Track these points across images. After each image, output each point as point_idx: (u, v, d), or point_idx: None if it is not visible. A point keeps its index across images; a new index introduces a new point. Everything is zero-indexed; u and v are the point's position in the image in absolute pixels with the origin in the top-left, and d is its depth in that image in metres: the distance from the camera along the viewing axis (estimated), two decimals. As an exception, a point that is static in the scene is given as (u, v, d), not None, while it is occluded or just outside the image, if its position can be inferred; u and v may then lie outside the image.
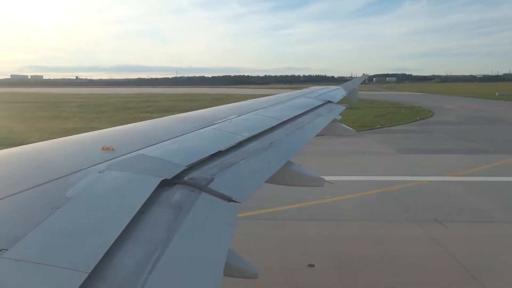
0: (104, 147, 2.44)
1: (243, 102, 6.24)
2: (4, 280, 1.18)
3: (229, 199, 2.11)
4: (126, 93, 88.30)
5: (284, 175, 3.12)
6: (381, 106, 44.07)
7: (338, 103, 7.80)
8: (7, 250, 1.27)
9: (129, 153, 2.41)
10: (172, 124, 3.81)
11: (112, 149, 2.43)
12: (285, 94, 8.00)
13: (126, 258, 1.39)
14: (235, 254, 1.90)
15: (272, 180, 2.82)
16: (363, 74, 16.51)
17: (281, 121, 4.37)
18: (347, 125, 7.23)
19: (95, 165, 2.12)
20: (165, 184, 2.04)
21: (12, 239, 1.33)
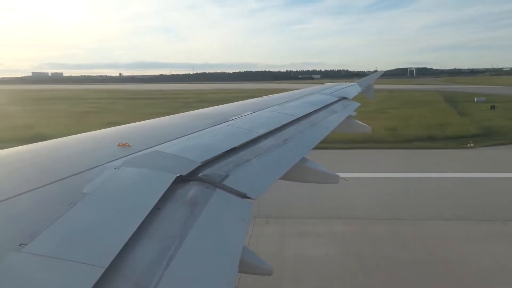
0: (120, 144, 2.46)
1: (258, 98, 6.22)
2: (23, 274, 1.20)
3: (244, 196, 2.11)
4: (200, 89, 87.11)
5: (299, 172, 3.10)
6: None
7: (353, 99, 7.72)
8: (26, 245, 1.30)
9: (144, 149, 2.43)
10: (187, 121, 3.82)
11: (128, 145, 2.45)
12: (300, 90, 7.95)
13: (142, 253, 1.41)
14: (249, 251, 1.90)
15: (286, 176, 2.81)
16: (377, 70, 16.30)
17: (295, 118, 4.34)
18: None
19: (112, 161, 2.15)
20: (180, 181, 2.06)
21: (31, 234, 1.36)
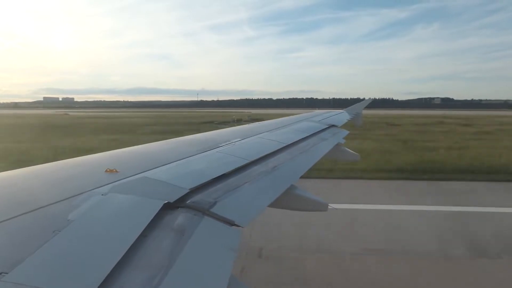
0: (108, 169, 2.45)
1: (247, 125, 6.28)
2: None
3: (232, 223, 2.10)
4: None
5: (288, 199, 3.10)
6: None
7: (342, 127, 7.83)
8: (7, 273, 1.26)
9: (132, 175, 2.42)
10: (177, 146, 3.83)
11: (116, 171, 2.43)
12: (289, 117, 8.06)
13: (127, 282, 1.38)
14: (236, 280, 1.87)
15: (275, 204, 2.80)
16: (366, 98, 16.50)
17: (284, 145, 4.38)
18: None
19: (98, 187, 2.12)
20: (168, 207, 2.04)
21: (13, 262, 1.32)
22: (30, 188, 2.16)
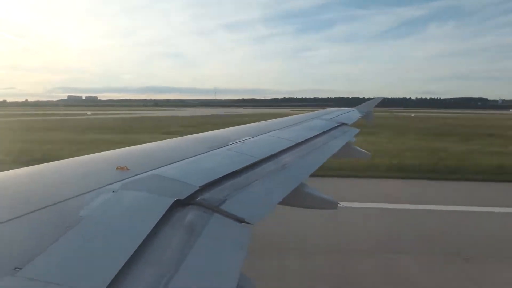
0: (119, 167, 2.47)
1: (257, 123, 6.28)
2: None
3: (241, 221, 2.10)
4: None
5: (297, 197, 3.10)
6: None
7: (353, 125, 7.78)
8: (21, 268, 1.29)
9: (143, 173, 2.44)
10: (187, 144, 3.84)
11: (127, 168, 2.46)
12: (299, 115, 8.03)
13: (137, 279, 1.39)
14: (246, 278, 1.88)
15: (285, 202, 2.80)
16: (375, 97, 16.24)
17: (294, 143, 4.37)
18: None
19: (109, 184, 2.15)
20: (178, 205, 2.05)
21: (26, 258, 1.35)
22: (43, 185, 2.19)
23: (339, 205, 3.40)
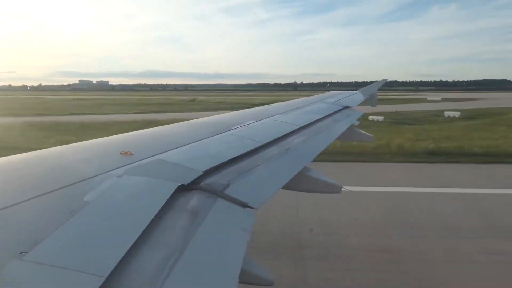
0: (123, 152, 2.47)
1: (260, 107, 6.25)
2: (24, 282, 1.20)
3: (245, 205, 2.11)
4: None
5: (301, 181, 3.10)
6: None
7: (356, 108, 7.73)
8: (27, 253, 1.30)
9: (147, 158, 2.44)
10: (190, 129, 3.84)
11: (131, 153, 2.46)
12: (302, 99, 7.98)
13: (143, 262, 1.41)
14: (250, 261, 1.89)
15: (288, 186, 2.81)
16: (381, 79, 16.12)
17: (298, 127, 4.35)
18: None
19: (114, 169, 2.16)
20: (182, 190, 2.06)
21: (32, 242, 1.36)
22: (49, 170, 2.20)
23: (342, 189, 3.40)
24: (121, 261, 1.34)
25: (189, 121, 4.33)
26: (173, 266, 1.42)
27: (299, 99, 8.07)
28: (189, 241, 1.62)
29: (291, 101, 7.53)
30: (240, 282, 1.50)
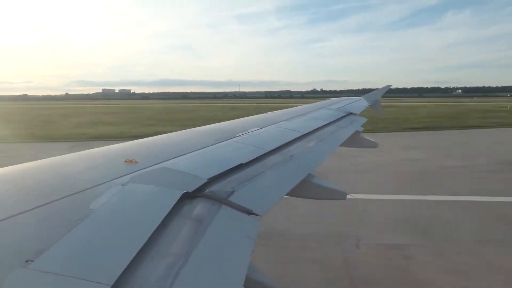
0: (127, 160, 2.49)
1: (264, 114, 6.26)
2: None
3: (250, 212, 2.11)
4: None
5: (305, 188, 3.10)
6: None
7: (361, 114, 7.73)
8: (32, 261, 1.31)
9: (151, 165, 2.45)
10: (195, 136, 3.85)
11: (135, 161, 2.47)
12: (306, 106, 7.99)
13: (147, 271, 1.41)
14: (255, 269, 1.89)
15: (293, 192, 2.81)
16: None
17: (302, 134, 4.36)
18: None
19: (118, 177, 2.17)
20: (187, 197, 2.06)
21: (38, 251, 1.37)
22: (53, 178, 2.22)
23: (348, 196, 3.39)
24: (126, 269, 1.35)
25: (193, 128, 4.35)
26: (178, 273, 1.42)
27: (303, 106, 8.09)
28: (194, 248, 1.62)
29: (295, 108, 7.55)
30: None
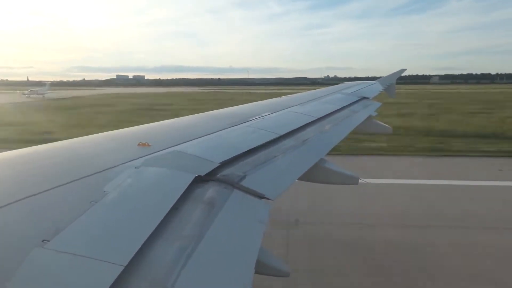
0: (140, 143, 2.51)
1: (277, 98, 6.22)
2: (45, 269, 1.24)
3: (261, 196, 2.12)
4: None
5: (317, 173, 3.09)
6: None
7: (375, 99, 7.62)
8: (48, 241, 1.34)
9: (164, 149, 2.47)
10: (207, 120, 3.86)
11: (148, 145, 2.49)
12: (319, 90, 7.91)
13: (160, 252, 1.43)
14: (266, 252, 1.90)
15: (304, 177, 2.80)
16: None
17: (315, 118, 4.33)
18: None
19: (132, 160, 2.19)
20: (199, 181, 2.08)
21: (54, 231, 1.40)
22: (68, 161, 2.25)
23: (360, 181, 3.37)
24: (139, 250, 1.37)
25: (205, 112, 4.35)
26: (189, 256, 1.44)
27: (316, 90, 8.01)
28: (206, 232, 1.63)
29: (307, 92, 7.47)
30: (256, 273, 1.51)
